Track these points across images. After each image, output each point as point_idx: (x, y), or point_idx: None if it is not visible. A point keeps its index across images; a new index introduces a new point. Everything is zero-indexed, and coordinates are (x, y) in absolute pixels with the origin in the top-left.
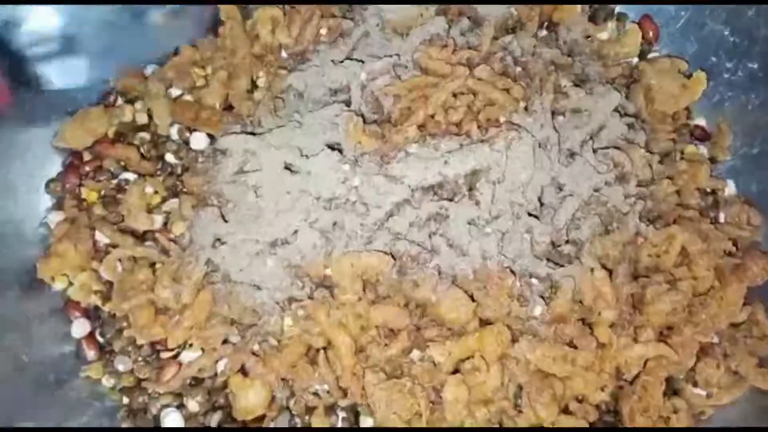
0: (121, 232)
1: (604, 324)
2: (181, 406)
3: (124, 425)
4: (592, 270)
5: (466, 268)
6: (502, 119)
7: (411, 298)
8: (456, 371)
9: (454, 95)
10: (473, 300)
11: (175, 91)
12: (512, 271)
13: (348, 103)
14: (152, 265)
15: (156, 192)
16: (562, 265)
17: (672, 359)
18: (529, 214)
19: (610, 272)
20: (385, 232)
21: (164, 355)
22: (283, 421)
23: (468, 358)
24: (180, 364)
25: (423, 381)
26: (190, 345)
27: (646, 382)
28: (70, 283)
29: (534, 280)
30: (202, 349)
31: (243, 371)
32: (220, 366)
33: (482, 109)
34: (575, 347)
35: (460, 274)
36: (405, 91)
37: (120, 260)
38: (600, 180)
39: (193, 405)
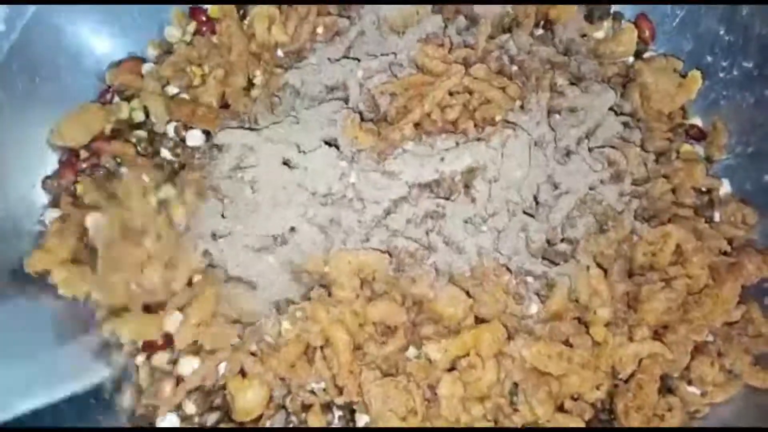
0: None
1: (599, 322)
2: (177, 408)
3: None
4: (587, 268)
5: (463, 266)
6: (498, 117)
7: (408, 295)
8: (452, 368)
9: (450, 93)
10: (469, 297)
11: (171, 90)
12: (508, 269)
13: (345, 101)
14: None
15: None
16: (557, 263)
17: (667, 357)
18: (525, 212)
19: (606, 270)
20: (382, 229)
21: (157, 358)
22: (279, 419)
23: (464, 355)
24: (178, 378)
25: (419, 378)
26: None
27: (640, 380)
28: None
29: (530, 278)
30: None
31: (241, 371)
32: (220, 370)
33: (478, 107)
34: (571, 345)
35: (457, 272)
36: (401, 89)
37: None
38: (595, 178)
39: (190, 407)
